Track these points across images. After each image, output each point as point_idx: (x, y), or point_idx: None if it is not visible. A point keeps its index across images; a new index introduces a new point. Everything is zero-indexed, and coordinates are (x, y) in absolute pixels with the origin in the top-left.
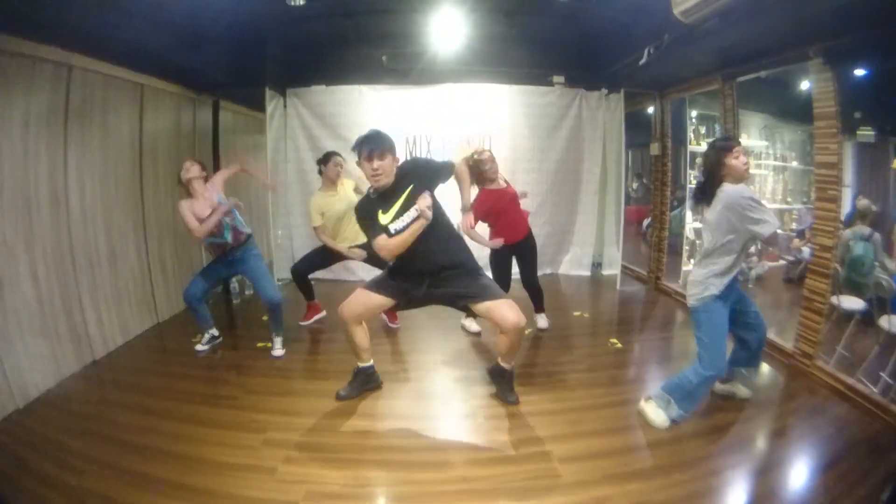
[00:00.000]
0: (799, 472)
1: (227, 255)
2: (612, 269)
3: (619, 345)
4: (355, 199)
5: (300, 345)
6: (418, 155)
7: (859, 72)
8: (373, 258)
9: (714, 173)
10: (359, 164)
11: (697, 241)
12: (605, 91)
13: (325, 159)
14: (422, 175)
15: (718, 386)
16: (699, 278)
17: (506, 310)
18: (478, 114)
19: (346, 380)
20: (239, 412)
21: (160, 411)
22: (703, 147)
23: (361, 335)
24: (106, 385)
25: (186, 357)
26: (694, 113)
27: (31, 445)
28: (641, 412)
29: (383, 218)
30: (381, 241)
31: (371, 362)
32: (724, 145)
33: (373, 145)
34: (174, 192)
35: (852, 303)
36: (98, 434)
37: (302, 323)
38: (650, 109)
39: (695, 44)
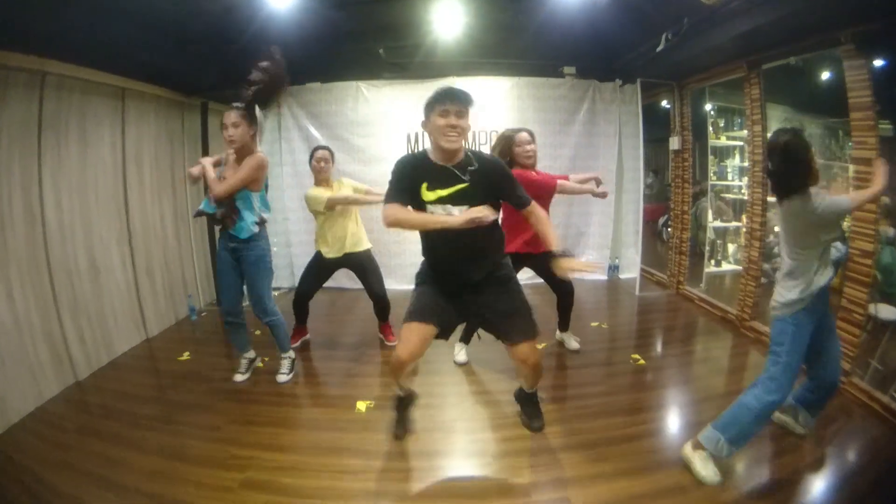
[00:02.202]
0: None
1: (229, 242)
2: (630, 273)
3: (642, 361)
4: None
5: (303, 365)
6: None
7: (878, 62)
8: None
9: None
10: (424, 124)
11: (719, 242)
12: (619, 82)
13: (311, 155)
14: (494, 183)
15: (777, 414)
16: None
17: (527, 353)
18: (484, 108)
19: (343, 407)
20: (219, 446)
21: (139, 442)
22: (724, 141)
23: (411, 368)
24: (87, 410)
25: (172, 378)
26: (708, 106)
27: (7, 475)
28: (687, 462)
29: (426, 193)
30: (395, 212)
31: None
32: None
33: (456, 98)
34: (162, 200)
35: (888, 311)
36: (74, 467)
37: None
38: (664, 103)
39: (717, 28)
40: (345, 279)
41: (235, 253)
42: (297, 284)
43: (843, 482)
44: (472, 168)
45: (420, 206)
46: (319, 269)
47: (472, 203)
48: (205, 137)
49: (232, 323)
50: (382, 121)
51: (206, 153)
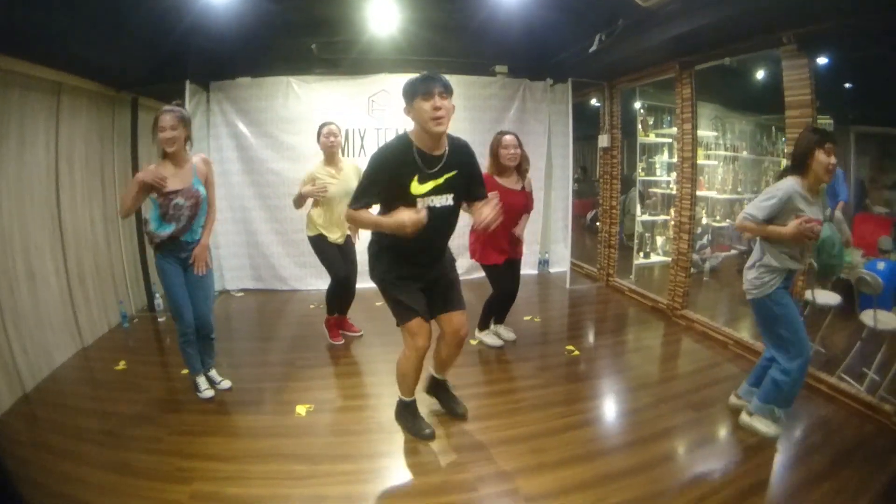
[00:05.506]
0: (791, 491)
1: (180, 253)
2: (560, 267)
3: (576, 352)
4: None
5: (239, 371)
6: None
7: (821, 60)
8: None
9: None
10: (407, 111)
11: (647, 235)
12: (550, 81)
13: (319, 131)
14: (468, 168)
15: (733, 400)
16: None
17: (463, 322)
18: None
19: (283, 412)
20: (164, 458)
21: (87, 457)
22: (652, 138)
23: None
24: (37, 424)
25: (111, 390)
26: (638, 104)
27: None
28: (748, 427)
29: (418, 187)
30: (358, 214)
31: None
32: (821, 137)
33: (438, 79)
34: (92, 202)
35: (827, 297)
36: (35, 482)
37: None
38: (594, 101)
39: (652, 29)
40: (276, 281)
41: (186, 262)
42: (334, 273)
43: (796, 463)
44: (452, 152)
45: (408, 199)
46: (336, 249)
47: (457, 191)
48: (134, 134)
49: (206, 336)
50: (313, 118)
51: (135, 151)
